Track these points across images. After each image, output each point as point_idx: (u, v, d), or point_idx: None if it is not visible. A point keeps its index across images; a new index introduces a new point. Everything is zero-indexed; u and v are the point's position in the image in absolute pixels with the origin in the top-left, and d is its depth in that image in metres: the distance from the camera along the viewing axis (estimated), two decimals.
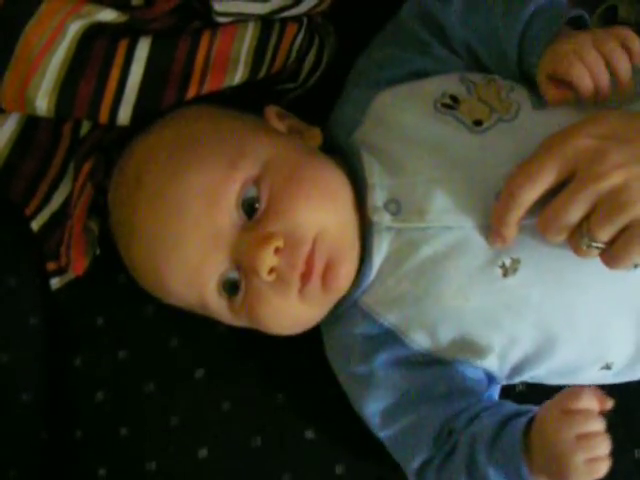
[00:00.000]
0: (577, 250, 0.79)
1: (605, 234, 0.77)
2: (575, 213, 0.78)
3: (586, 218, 0.78)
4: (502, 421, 0.84)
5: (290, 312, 0.87)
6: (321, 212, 0.84)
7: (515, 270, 0.83)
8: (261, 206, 0.84)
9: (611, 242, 0.77)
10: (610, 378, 0.89)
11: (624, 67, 0.83)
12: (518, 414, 0.84)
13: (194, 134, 0.89)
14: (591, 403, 0.79)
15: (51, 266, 0.99)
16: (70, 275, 0.99)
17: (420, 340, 0.87)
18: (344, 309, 0.90)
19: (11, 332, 0.99)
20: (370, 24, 0.97)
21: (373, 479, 0.95)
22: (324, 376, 0.93)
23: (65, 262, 0.96)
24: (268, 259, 0.82)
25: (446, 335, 0.86)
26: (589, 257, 0.79)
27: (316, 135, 0.92)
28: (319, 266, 0.84)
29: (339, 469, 0.94)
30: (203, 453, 0.96)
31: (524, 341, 0.86)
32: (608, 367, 0.88)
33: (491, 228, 0.82)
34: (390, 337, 0.88)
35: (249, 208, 0.84)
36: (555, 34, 0.86)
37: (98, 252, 0.97)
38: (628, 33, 0.84)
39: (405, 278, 0.86)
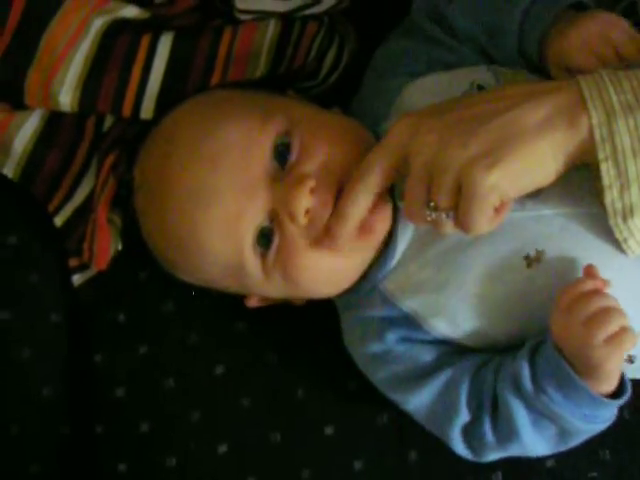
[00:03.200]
0: (434, 226, 0.80)
1: (442, 200, 0.77)
2: (418, 192, 0.78)
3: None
4: (531, 349, 0.85)
5: (324, 263, 0.86)
6: (350, 155, 0.85)
7: (539, 261, 0.84)
8: (292, 155, 0.85)
9: (455, 207, 0.78)
10: (630, 372, 0.89)
11: (630, 50, 0.84)
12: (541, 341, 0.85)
13: (223, 98, 0.91)
14: (583, 286, 0.81)
15: (73, 262, 0.99)
16: (92, 271, 1.00)
17: (440, 327, 0.87)
18: (363, 294, 0.90)
19: (33, 328, 1.00)
20: (390, 24, 0.98)
21: (392, 475, 0.95)
22: (344, 370, 0.93)
23: (88, 256, 0.96)
24: (305, 199, 0.82)
25: (466, 322, 0.86)
26: (447, 230, 0.79)
27: (336, 110, 0.94)
28: None
29: (358, 465, 0.94)
30: (223, 449, 0.96)
31: (544, 330, 0.85)
32: (631, 360, 0.87)
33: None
34: (408, 321, 0.88)
35: (281, 157, 0.85)
36: (552, 21, 0.87)
37: (121, 247, 0.98)
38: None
39: (428, 264, 0.86)
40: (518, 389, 0.84)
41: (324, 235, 0.84)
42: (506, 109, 0.76)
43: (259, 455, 0.96)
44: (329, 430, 0.95)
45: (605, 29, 0.85)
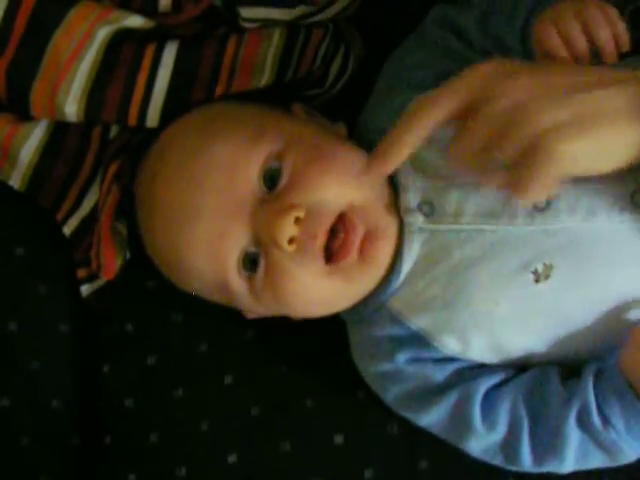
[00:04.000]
0: (484, 179, 0.76)
1: (504, 151, 0.72)
2: (483, 134, 0.73)
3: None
4: (594, 380, 0.83)
5: (317, 287, 0.85)
6: (346, 187, 0.84)
7: (547, 276, 0.83)
8: (283, 180, 0.84)
9: (515, 164, 0.73)
10: None
11: (602, 34, 0.81)
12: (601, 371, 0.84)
13: (218, 114, 0.90)
14: None
15: (81, 273, 0.99)
16: (100, 282, 0.99)
17: (450, 344, 0.87)
18: (371, 311, 0.89)
19: (42, 339, 1.00)
20: (396, 30, 0.97)
21: None
22: (353, 379, 0.93)
23: (96, 266, 0.96)
24: (288, 228, 0.81)
25: (476, 340, 0.86)
26: (491, 185, 0.75)
27: (341, 129, 0.93)
28: (357, 237, 0.83)
29: (368, 474, 0.94)
30: (232, 458, 0.95)
31: (557, 345, 0.86)
32: None
33: (378, 148, 0.77)
34: (417, 340, 0.87)
35: (271, 181, 0.84)
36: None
37: (129, 256, 0.97)
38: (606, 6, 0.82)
39: (435, 281, 0.85)
40: (584, 422, 0.83)
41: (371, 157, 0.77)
42: (599, 87, 0.73)
43: (268, 465, 0.95)
44: (339, 439, 0.95)
45: (575, 6, 0.82)
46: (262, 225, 0.83)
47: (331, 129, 0.93)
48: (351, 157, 0.87)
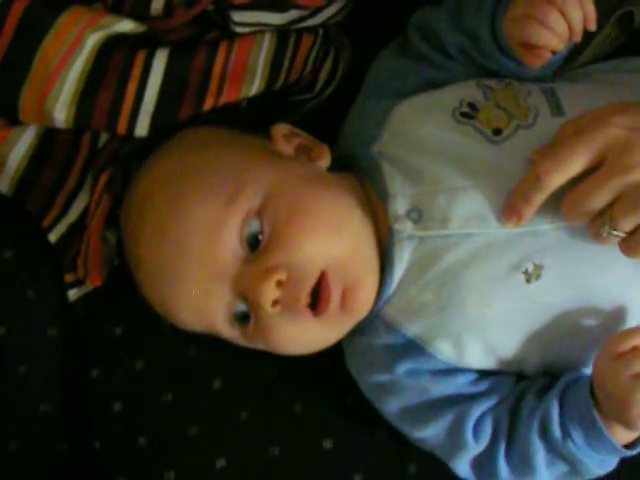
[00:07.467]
0: (596, 236, 0.80)
1: (627, 224, 0.77)
2: (600, 201, 0.78)
3: (609, 206, 0.78)
4: (562, 391, 0.85)
5: (306, 336, 0.87)
6: (326, 244, 0.84)
7: (538, 276, 0.83)
8: (264, 238, 0.84)
9: (632, 232, 0.78)
10: None
11: (576, 15, 0.82)
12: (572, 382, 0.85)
13: (196, 166, 0.88)
14: (634, 339, 0.81)
15: (69, 278, 0.99)
16: (88, 286, 0.99)
17: (444, 350, 0.87)
18: (365, 321, 0.89)
19: (30, 343, 0.99)
20: (385, 35, 0.97)
21: None
22: (342, 384, 0.94)
23: (83, 274, 0.96)
24: (270, 293, 0.82)
25: (470, 344, 0.86)
26: (607, 244, 0.79)
27: (324, 154, 0.92)
28: (336, 295, 0.84)
29: (357, 478, 0.94)
30: (221, 463, 0.96)
31: (549, 347, 0.86)
32: None
33: (507, 204, 0.82)
34: (413, 348, 0.88)
35: (253, 239, 0.84)
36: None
37: (116, 263, 0.97)
38: None
39: (427, 287, 0.86)
40: (545, 433, 0.84)
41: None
42: None
43: (257, 469, 0.96)
44: (328, 444, 0.95)
45: None
46: (246, 287, 0.84)
47: (314, 154, 0.92)
48: (334, 206, 0.87)
